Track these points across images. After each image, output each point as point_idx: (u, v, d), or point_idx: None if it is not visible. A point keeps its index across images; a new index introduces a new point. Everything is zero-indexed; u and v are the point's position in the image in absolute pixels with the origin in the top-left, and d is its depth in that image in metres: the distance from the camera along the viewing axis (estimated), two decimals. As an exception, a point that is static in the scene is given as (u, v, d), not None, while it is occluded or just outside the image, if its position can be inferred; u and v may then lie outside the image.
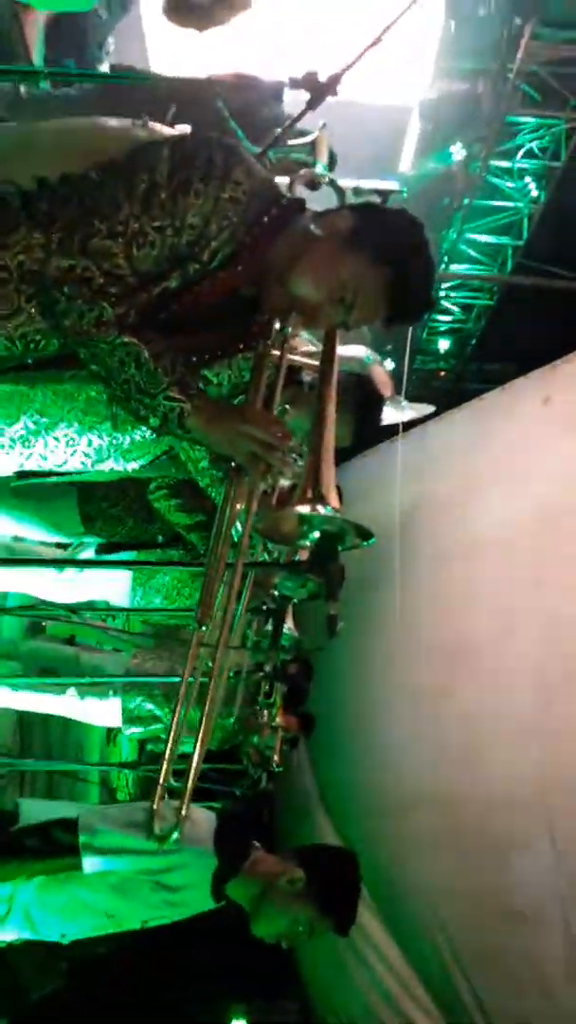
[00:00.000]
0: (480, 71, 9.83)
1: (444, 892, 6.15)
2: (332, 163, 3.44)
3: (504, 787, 5.33)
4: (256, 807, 6.21)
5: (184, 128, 3.02)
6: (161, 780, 1.52)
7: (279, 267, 1.62)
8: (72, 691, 4.00)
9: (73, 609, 3.63)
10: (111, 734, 7.83)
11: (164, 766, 1.51)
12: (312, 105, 2.26)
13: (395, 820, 7.07)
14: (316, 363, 2.02)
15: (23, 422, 1.71)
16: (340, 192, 1.97)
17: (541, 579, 5.34)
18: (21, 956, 4.26)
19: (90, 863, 2.35)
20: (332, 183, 2.00)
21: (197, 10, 3.13)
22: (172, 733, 1.55)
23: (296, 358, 2.14)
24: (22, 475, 2.01)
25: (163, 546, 3.06)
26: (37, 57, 4.19)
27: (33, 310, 1.55)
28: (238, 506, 1.58)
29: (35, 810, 2.68)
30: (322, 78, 2.20)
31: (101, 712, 4.01)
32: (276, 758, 4.72)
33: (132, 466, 1.91)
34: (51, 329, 1.56)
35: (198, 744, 1.47)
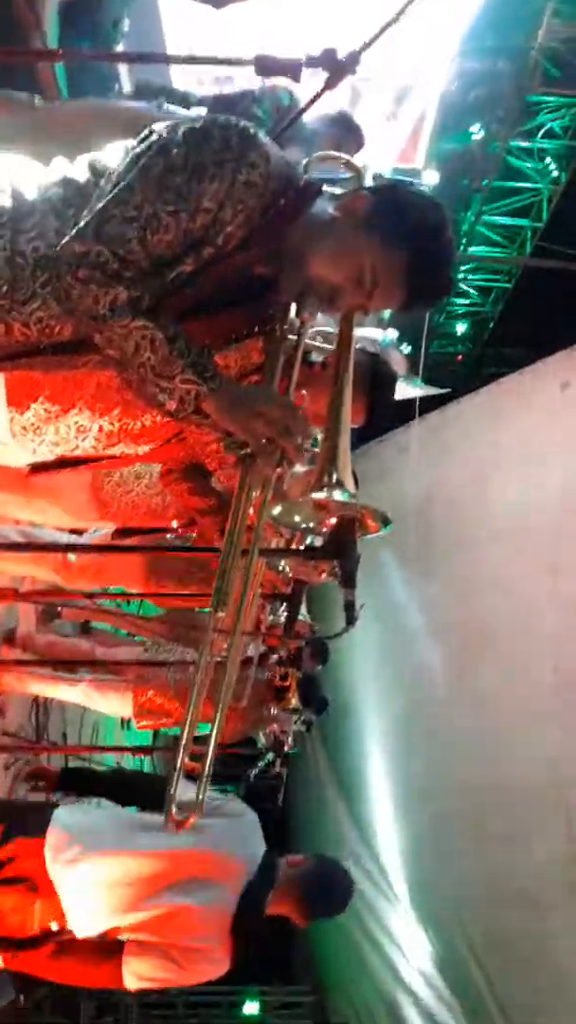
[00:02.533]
0: (500, 49, 9.70)
1: (459, 879, 6.17)
2: (361, 144, 3.41)
3: (520, 772, 5.33)
4: (272, 791, 6.23)
5: (201, 111, 3.00)
6: (178, 765, 1.52)
7: (296, 249, 1.60)
8: (85, 683, 4.03)
9: (89, 594, 3.64)
10: (126, 720, 7.87)
11: (180, 753, 1.51)
12: (331, 84, 2.22)
13: (410, 804, 7.09)
14: (331, 347, 2.01)
15: (33, 410, 1.70)
16: (358, 172, 1.94)
17: (558, 564, 5.32)
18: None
19: None
20: (349, 164, 1.97)
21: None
22: (188, 718, 1.54)
23: (312, 342, 2.12)
24: (35, 468, 2.00)
25: (177, 531, 3.05)
26: (51, 39, 4.15)
27: (48, 295, 1.54)
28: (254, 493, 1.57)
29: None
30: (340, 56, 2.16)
31: (114, 703, 4.04)
32: (289, 741, 4.75)
33: (142, 450, 1.91)
34: (66, 314, 1.55)
35: (214, 730, 1.46)
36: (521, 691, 5.44)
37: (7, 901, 2.51)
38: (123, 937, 2.51)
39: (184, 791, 1.52)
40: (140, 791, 2.84)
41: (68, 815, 2.66)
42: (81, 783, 3.08)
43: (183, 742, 1.53)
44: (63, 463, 1.94)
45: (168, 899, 2.50)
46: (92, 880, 2.51)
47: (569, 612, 5.18)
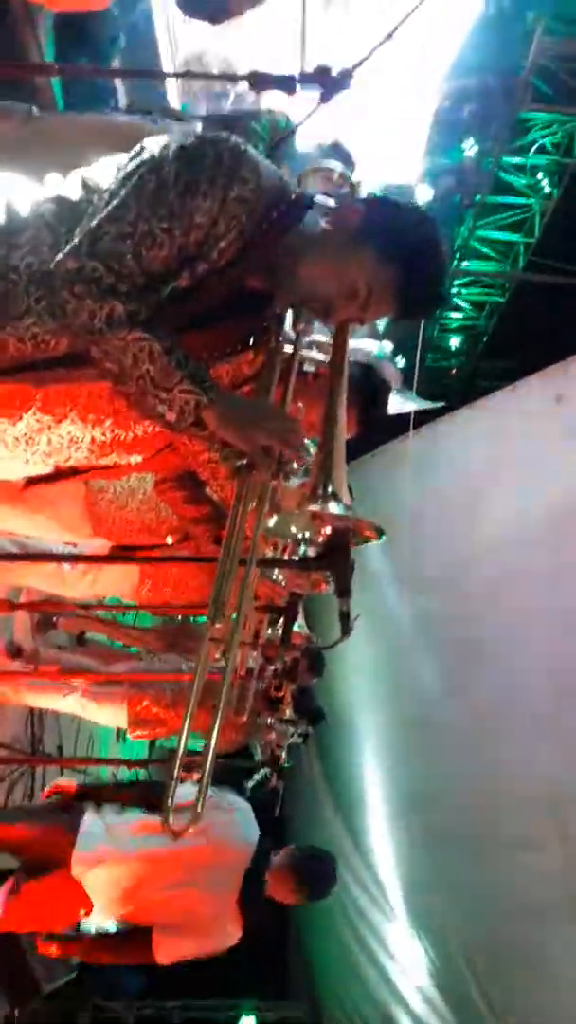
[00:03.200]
0: (492, 66, 9.77)
1: (455, 891, 6.15)
2: (349, 162, 3.44)
3: (517, 784, 5.32)
4: (268, 804, 6.21)
5: (196, 126, 3.03)
6: (175, 776, 1.52)
7: (288, 262, 1.62)
8: (79, 693, 4.02)
9: (84, 605, 3.64)
10: (120, 731, 7.85)
11: (177, 762, 1.51)
12: (324, 100, 2.24)
13: (406, 817, 7.07)
14: (325, 358, 2.02)
15: (26, 421, 1.71)
16: (351, 186, 1.96)
17: (554, 576, 5.33)
18: (33, 949, 4.29)
19: None
20: (343, 176, 1.99)
21: (212, 3, 3.13)
22: (184, 729, 1.55)
23: (305, 352, 2.14)
24: (31, 482, 2.01)
25: (172, 547, 3.05)
26: (48, 54, 4.18)
27: (43, 311, 1.56)
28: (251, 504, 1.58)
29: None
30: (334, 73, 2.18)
31: (108, 713, 4.03)
32: (284, 755, 4.73)
33: (135, 460, 1.92)
34: (61, 329, 1.56)
35: (212, 740, 1.46)
36: (517, 703, 5.44)
37: (48, 900, 3.02)
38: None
39: (186, 794, 1.53)
40: (154, 795, 3.27)
41: (92, 821, 3.12)
42: (98, 797, 3.40)
43: (179, 752, 1.53)
44: (58, 474, 1.96)
45: (181, 888, 2.99)
46: (113, 878, 2.97)
47: (565, 625, 5.19)
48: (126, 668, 4.23)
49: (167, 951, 3.08)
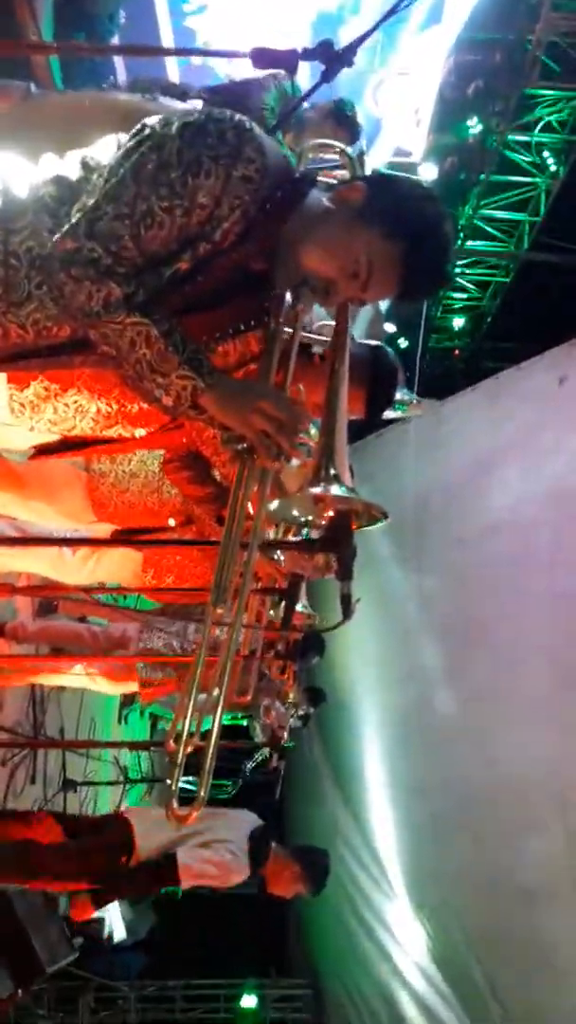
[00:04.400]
0: (498, 42, 9.65)
1: (457, 873, 6.18)
2: (356, 135, 3.40)
3: (517, 766, 5.33)
4: (268, 785, 6.25)
5: (197, 104, 2.99)
6: (179, 760, 1.51)
7: (290, 242, 1.59)
8: (84, 663, 4.05)
9: (85, 589, 3.64)
10: (122, 713, 7.89)
11: (181, 749, 1.50)
12: (327, 77, 2.20)
13: (407, 799, 7.10)
14: (327, 339, 2.00)
15: (33, 388, 1.70)
16: (353, 163, 1.93)
17: (557, 560, 5.31)
18: (37, 930, 4.32)
19: None
20: (343, 152, 1.96)
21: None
22: (187, 716, 1.53)
23: (308, 335, 2.12)
24: (40, 451, 2.00)
25: (175, 530, 3.04)
26: (47, 32, 4.13)
27: (44, 295, 1.53)
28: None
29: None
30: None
31: (114, 683, 4.07)
32: (286, 735, 4.75)
33: (139, 432, 1.90)
34: (62, 314, 1.54)
35: (214, 726, 1.45)
36: (518, 686, 5.44)
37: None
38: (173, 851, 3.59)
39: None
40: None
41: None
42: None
43: (183, 735, 1.52)
44: (65, 446, 1.94)
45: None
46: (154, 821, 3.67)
47: (566, 609, 5.18)
48: (131, 627, 4.23)
49: (191, 872, 3.55)
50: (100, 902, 3.77)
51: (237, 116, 1.52)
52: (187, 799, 1.45)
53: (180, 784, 1.49)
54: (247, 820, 3.86)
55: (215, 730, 1.44)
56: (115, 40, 4.50)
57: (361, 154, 2.01)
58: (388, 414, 2.48)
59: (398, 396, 2.50)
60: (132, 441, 1.95)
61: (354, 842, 8.16)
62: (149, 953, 10.25)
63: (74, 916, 3.90)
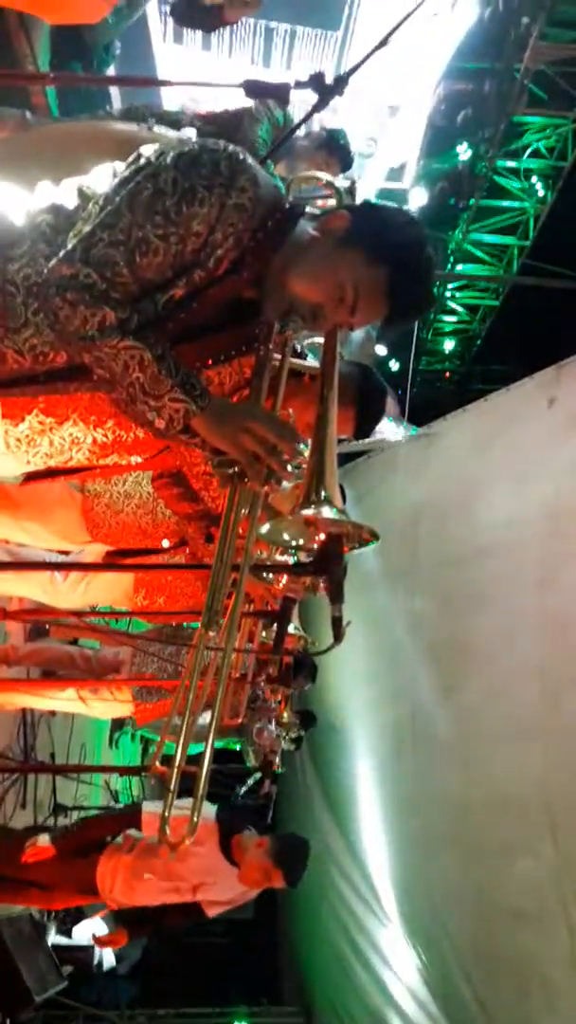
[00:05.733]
0: (487, 70, 9.81)
1: (447, 893, 6.13)
2: (347, 164, 3.46)
3: (507, 787, 5.31)
4: (261, 810, 6.21)
5: (191, 132, 3.03)
6: (172, 787, 1.51)
7: (278, 270, 1.62)
8: (76, 687, 4.03)
9: (77, 613, 3.64)
10: (113, 737, 7.84)
11: (174, 773, 1.50)
12: (319, 107, 2.24)
13: (398, 820, 7.06)
14: (317, 365, 2.02)
15: (28, 422, 1.71)
16: (340, 192, 1.97)
17: (546, 580, 5.33)
18: (25, 958, 4.27)
19: None
20: (330, 184, 1.99)
21: (205, 12, 3.12)
22: (181, 741, 1.54)
23: (297, 361, 2.14)
24: (29, 477, 2.01)
25: (168, 551, 3.05)
26: (43, 62, 4.18)
27: (41, 322, 1.55)
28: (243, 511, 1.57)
29: None
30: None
31: (107, 699, 4.05)
32: (278, 760, 4.73)
33: (135, 460, 1.92)
34: (58, 340, 1.56)
35: (206, 752, 1.45)
36: (508, 707, 5.43)
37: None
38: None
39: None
40: None
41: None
42: None
43: (177, 761, 1.52)
44: (56, 472, 1.95)
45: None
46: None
47: (555, 628, 5.18)
48: (124, 651, 4.22)
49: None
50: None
51: (231, 147, 1.55)
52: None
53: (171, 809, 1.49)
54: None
55: (208, 755, 1.44)
56: (111, 70, 4.56)
57: (353, 183, 2.05)
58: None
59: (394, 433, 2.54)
60: (126, 466, 1.96)
61: (347, 866, 8.09)
62: (139, 981, 10.12)
63: (26, 857, 3.82)
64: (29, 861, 3.72)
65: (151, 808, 3.82)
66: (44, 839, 3.71)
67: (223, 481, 1.60)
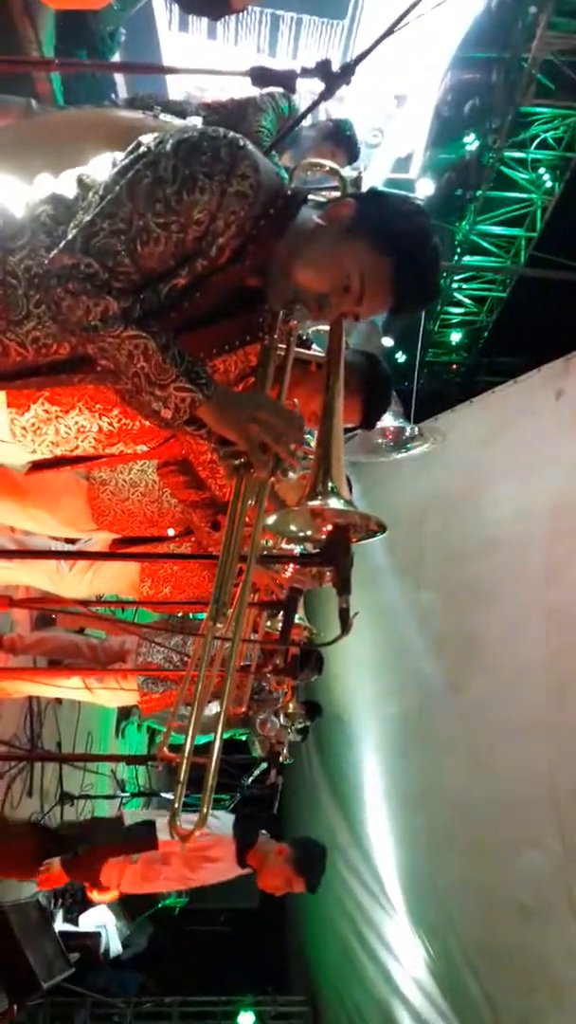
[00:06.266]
0: (494, 60, 9.75)
1: (453, 887, 6.15)
2: (354, 154, 3.43)
3: (513, 781, 5.32)
4: (266, 799, 6.23)
5: (197, 120, 3.02)
6: (182, 778, 1.50)
7: (282, 259, 1.60)
8: (82, 675, 4.03)
9: (83, 602, 3.64)
10: (119, 726, 7.86)
11: (184, 765, 1.50)
12: (325, 95, 2.23)
13: (405, 813, 7.07)
14: (323, 353, 2.01)
15: (34, 411, 1.70)
16: (344, 181, 1.95)
17: (553, 574, 5.32)
18: (33, 945, 4.30)
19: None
20: (334, 171, 1.97)
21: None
22: (189, 733, 1.53)
23: (303, 351, 2.13)
24: (36, 466, 2.00)
25: (174, 540, 3.05)
26: (48, 48, 4.17)
27: (43, 314, 1.54)
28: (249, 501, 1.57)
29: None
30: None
31: (114, 688, 4.05)
32: (285, 752, 4.73)
33: (141, 449, 1.91)
34: (61, 332, 1.55)
35: (215, 742, 1.45)
36: (514, 701, 5.43)
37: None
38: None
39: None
40: None
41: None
42: None
43: (186, 754, 1.52)
44: (61, 460, 1.94)
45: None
46: None
47: (562, 623, 5.18)
48: (130, 640, 4.22)
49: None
50: (72, 868, 3.76)
51: (231, 134, 1.53)
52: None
53: (168, 794, 1.48)
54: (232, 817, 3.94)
55: (217, 747, 1.43)
56: (116, 57, 4.54)
57: (359, 174, 2.03)
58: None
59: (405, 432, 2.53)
60: (132, 454, 1.95)
61: (353, 857, 8.12)
62: (146, 969, 10.18)
63: (41, 885, 3.89)
64: (41, 889, 3.85)
65: (166, 837, 3.77)
66: (55, 865, 3.71)
67: (229, 472, 1.59)
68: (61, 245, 1.47)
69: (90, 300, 1.45)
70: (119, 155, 1.56)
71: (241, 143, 1.52)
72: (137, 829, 3.66)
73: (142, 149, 1.52)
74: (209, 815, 1.43)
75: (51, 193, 1.60)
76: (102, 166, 1.60)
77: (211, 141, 1.50)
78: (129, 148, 1.54)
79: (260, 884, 3.82)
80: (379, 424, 2.60)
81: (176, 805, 1.49)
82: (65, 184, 1.61)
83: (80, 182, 1.60)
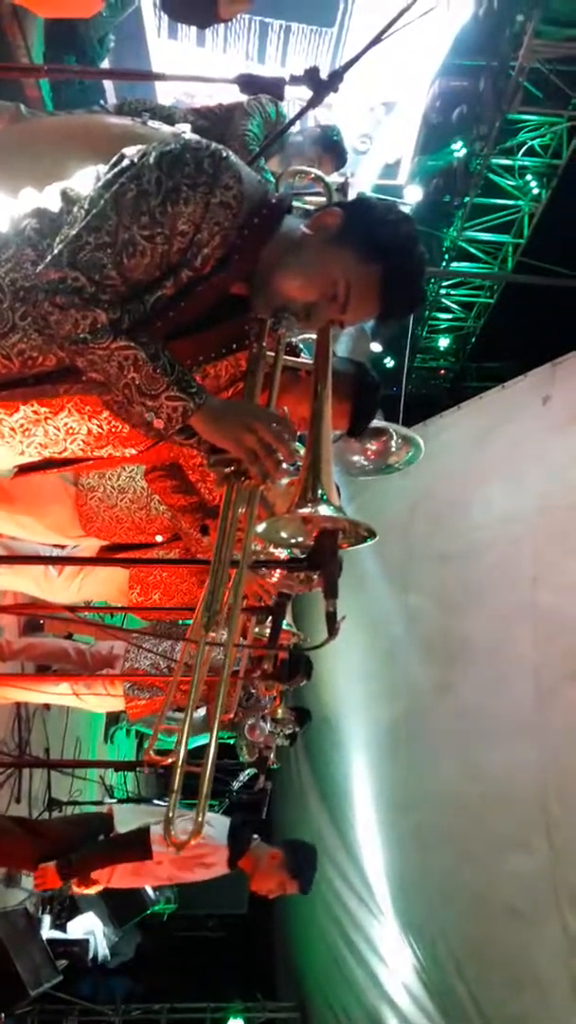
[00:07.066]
0: (482, 68, 9.80)
1: (441, 890, 6.15)
2: (342, 161, 3.45)
3: (502, 784, 5.33)
4: (256, 805, 6.23)
5: (186, 127, 3.03)
6: (175, 787, 1.51)
7: (268, 267, 1.62)
8: (71, 681, 4.03)
9: (71, 608, 3.63)
10: (108, 732, 7.84)
11: (177, 773, 1.50)
12: (313, 103, 2.24)
13: (393, 817, 7.08)
14: (311, 361, 2.02)
15: (23, 411, 1.71)
16: (329, 188, 1.97)
17: (540, 576, 5.35)
18: (20, 952, 4.27)
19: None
20: (319, 178, 1.99)
21: (199, 8, 3.11)
22: (183, 741, 1.53)
23: (291, 358, 2.14)
24: (22, 469, 2.01)
25: (162, 546, 3.05)
26: (37, 55, 4.17)
27: (28, 326, 1.55)
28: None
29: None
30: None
31: (101, 694, 4.05)
32: (272, 757, 4.73)
33: (130, 452, 1.92)
34: (47, 344, 1.56)
35: (210, 750, 1.45)
36: (502, 703, 5.45)
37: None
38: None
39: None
40: None
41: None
42: None
43: (179, 762, 1.52)
44: (48, 463, 1.95)
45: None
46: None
47: (549, 624, 5.21)
48: (118, 646, 4.22)
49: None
50: (67, 875, 3.75)
51: (214, 145, 1.54)
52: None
53: (160, 801, 1.49)
54: (226, 821, 3.92)
55: (211, 755, 1.44)
56: (105, 63, 4.55)
57: (346, 180, 2.05)
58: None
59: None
60: (120, 458, 1.96)
61: (341, 861, 8.11)
62: (134, 976, 10.13)
63: (38, 887, 3.90)
64: (39, 890, 3.84)
65: (161, 849, 3.73)
66: (51, 871, 3.71)
67: (220, 479, 1.60)
68: (47, 260, 1.48)
69: (78, 313, 1.46)
70: (103, 168, 1.57)
71: (224, 154, 1.53)
72: (132, 838, 3.63)
73: (125, 162, 1.53)
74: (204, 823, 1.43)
75: (36, 207, 1.61)
76: (86, 180, 1.60)
77: (194, 153, 1.51)
78: (112, 161, 1.55)
79: (253, 887, 3.83)
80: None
81: (171, 814, 1.49)
82: (50, 198, 1.62)
83: (64, 195, 1.60)
